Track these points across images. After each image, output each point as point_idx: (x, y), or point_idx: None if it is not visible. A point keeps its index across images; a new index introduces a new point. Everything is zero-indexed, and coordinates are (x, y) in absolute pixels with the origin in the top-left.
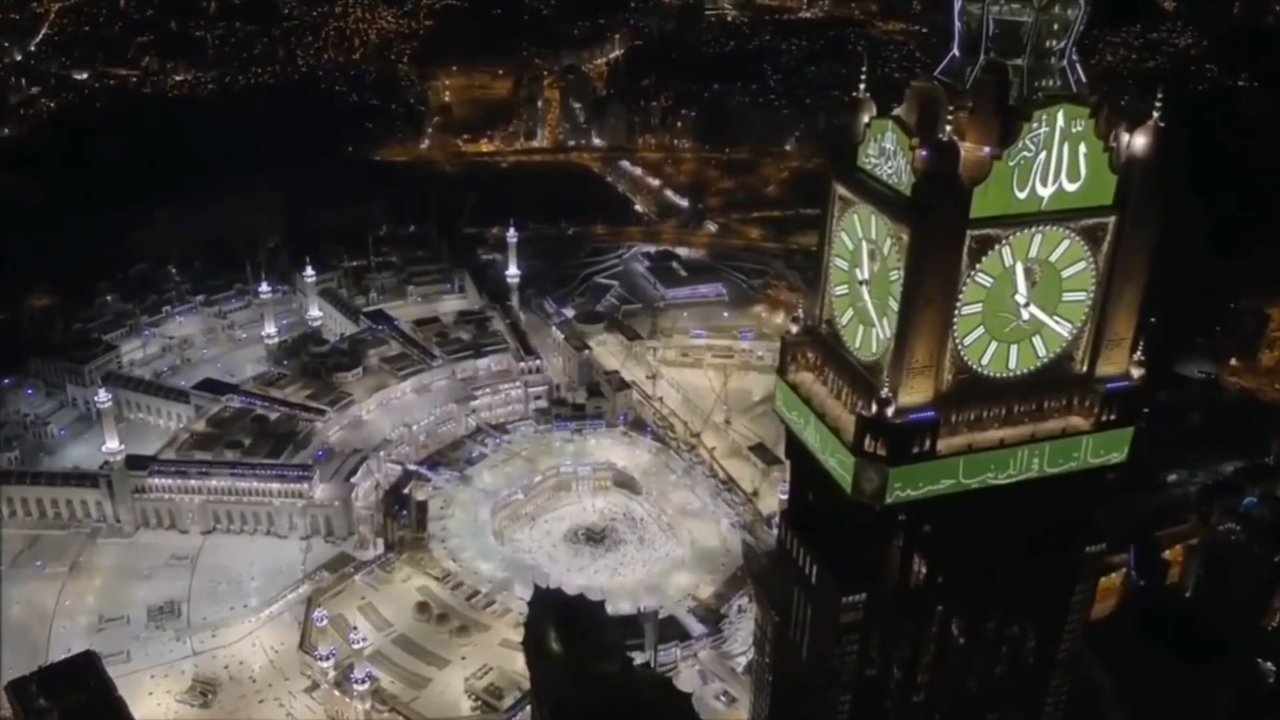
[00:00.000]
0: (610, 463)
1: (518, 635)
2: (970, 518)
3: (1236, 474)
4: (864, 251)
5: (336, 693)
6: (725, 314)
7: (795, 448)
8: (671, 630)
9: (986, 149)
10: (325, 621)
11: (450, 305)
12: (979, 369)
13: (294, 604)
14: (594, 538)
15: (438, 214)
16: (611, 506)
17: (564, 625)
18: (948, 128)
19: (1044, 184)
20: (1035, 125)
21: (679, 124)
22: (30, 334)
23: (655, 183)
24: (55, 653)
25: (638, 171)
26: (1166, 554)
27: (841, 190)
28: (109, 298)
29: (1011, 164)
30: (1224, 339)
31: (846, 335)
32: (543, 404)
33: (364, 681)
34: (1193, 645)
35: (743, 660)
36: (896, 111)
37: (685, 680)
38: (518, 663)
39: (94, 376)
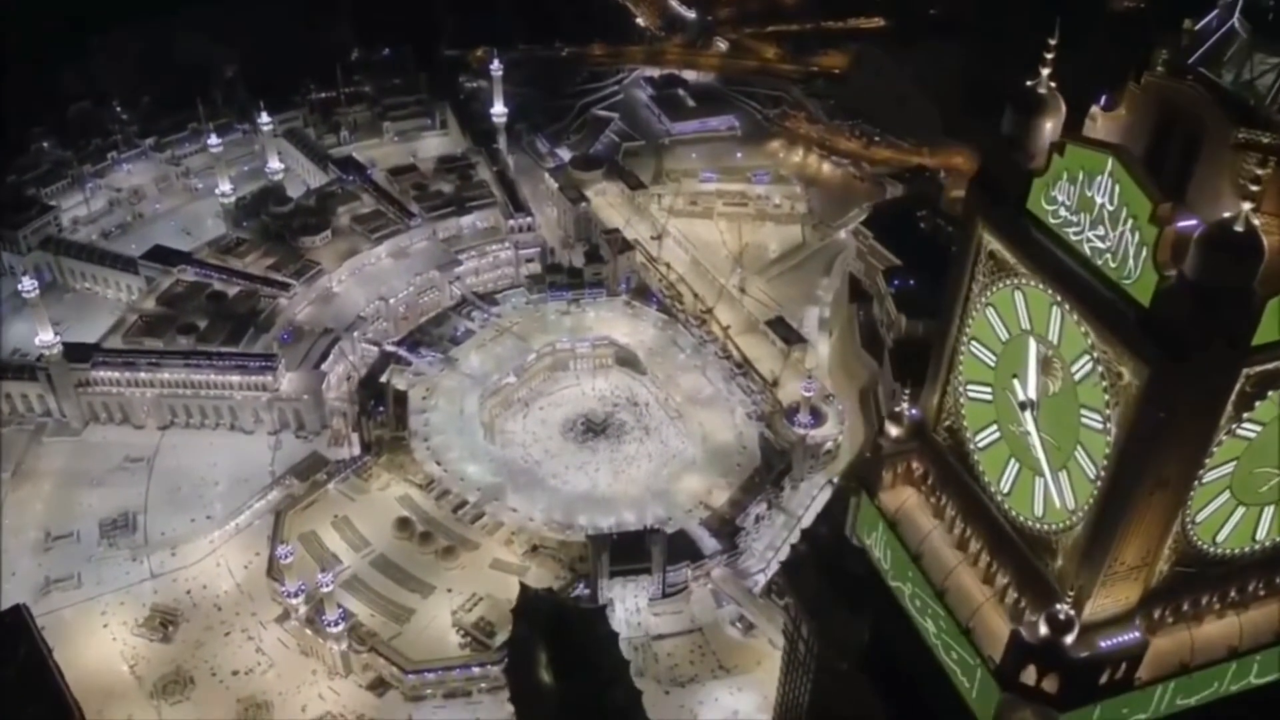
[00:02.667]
0: (611, 338)
1: (509, 555)
2: None
3: None
4: (1029, 354)
5: (309, 631)
6: (738, 153)
7: (881, 590)
8: (681, 547)
9: None
10: (291, 558)
11: (431, 144)
12: (1209, 549)
13: (262, 513)
14: (594, 428)
15: (414, 33)
16: (614, 390)
17: (558, 649)
18: (1246, 205)
19: None
20: None
21: None
22: None
23: None
24: None
25: None
26: None
27: (994, 245)
28: (44, 144)
29: None
30: None
31: (986, 468)
32: (535, 268)
33: (337, 624)
34: None
35: (760, 579)
36: (1105, 126)
37: (697, 601)
38: (510, 590)
39: (30, 243)
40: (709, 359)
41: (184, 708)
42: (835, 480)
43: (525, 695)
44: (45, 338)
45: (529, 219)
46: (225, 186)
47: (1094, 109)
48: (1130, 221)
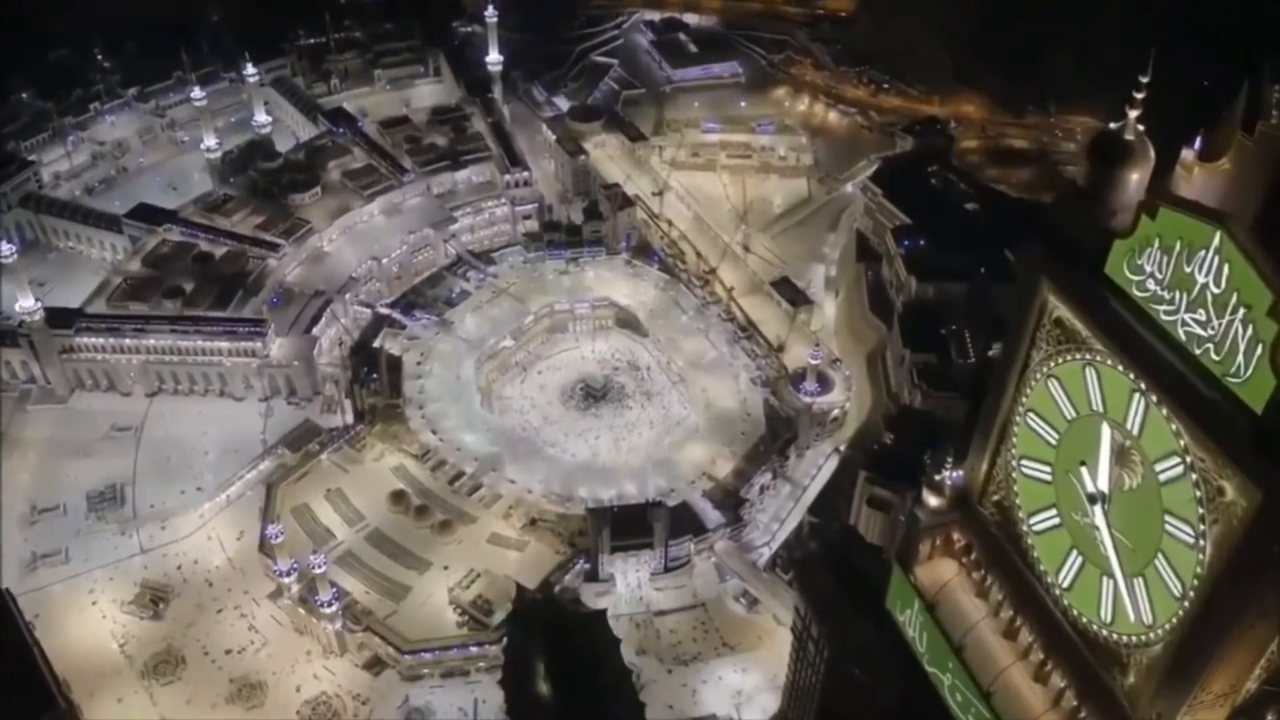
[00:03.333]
0: (611, 299)
1: (508, 529)
2: None
3: None
4: (1102, 440)
5: (302, 610)
6: (742, 102)
7: (909, 657)
8: (684, 520)
9: None
10: (282, 538)
11: (424, 93)
12: None
13: (254, 484)
14: (594, 394)
15: None
16: (614, 353)
17: (556, 656)
18: None
19: None
20: None
21: None
22: None
23: None
24: None
25: None
26: None
27: (1061, 311)
28: (23, 95)
29: None
30: None
31: (1041, 555)
32: (532, 225)
33: (331, 604)
34: None
35: (765, 553)
36: (1203, 180)
37: (700, 574)
38: (508, 566)
39: (10, 200)
40: (712, 321)
41: (176, 688)
42: (842, 449)
43: (521, 705)
44: (26, 303)
45: (526, 174)
46: (211, 141)
47: (1186, 154)
48: (1242, 311)
